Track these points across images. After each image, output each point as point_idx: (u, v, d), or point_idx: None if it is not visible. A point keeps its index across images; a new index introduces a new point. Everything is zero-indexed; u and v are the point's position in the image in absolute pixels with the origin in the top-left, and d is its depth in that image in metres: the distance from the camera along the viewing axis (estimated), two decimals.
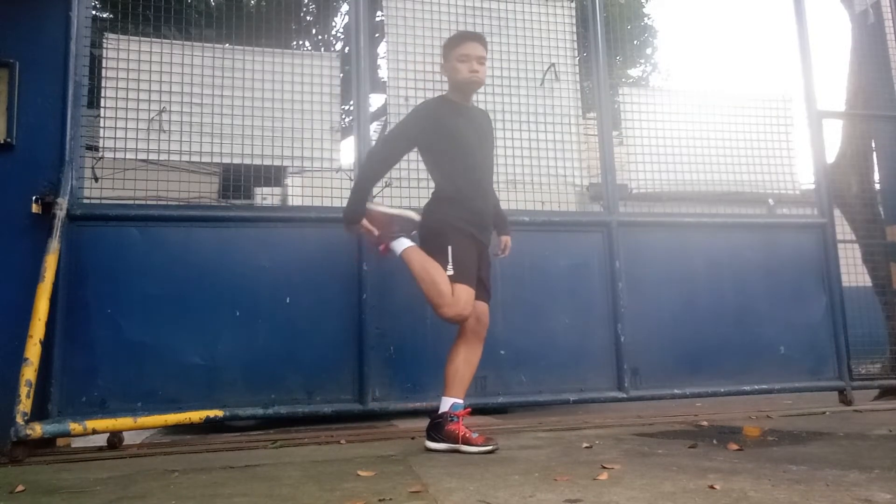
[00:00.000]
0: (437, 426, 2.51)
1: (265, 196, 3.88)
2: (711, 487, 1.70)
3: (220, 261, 3.21)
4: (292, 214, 3.33)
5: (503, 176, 3.69)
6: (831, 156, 4.57)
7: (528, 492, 1.71)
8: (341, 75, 3.64)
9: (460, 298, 2.51)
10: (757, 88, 4.32)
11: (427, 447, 2.53)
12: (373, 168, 2.69)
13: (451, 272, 2.53)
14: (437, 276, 2.51)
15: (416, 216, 2.63)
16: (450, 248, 2.56)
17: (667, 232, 3.86)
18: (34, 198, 2.98)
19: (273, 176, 3.72)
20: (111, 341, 3.04)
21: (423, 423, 2.70)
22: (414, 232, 2.64)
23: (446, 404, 2.53)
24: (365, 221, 2.62)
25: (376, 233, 2.61)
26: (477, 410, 3.59)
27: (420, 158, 2.85)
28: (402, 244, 2.60)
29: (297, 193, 3.48)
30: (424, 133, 2.68)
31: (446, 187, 2.68)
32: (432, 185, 2.79)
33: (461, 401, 2.56)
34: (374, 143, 2.97)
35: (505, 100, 3.77)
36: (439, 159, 2.70)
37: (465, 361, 2.59)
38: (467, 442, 2.45)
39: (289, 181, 3.94)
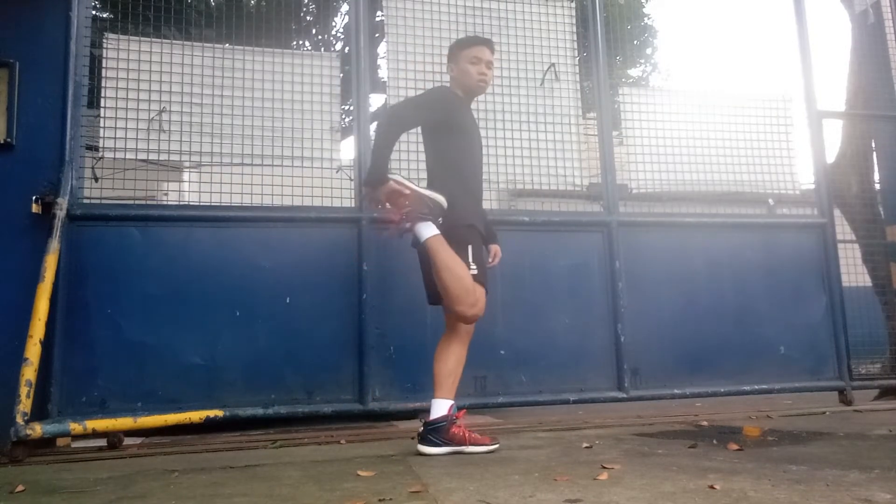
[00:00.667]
0: (439, 430, 2.42)
1: (166, 192, 3.77)
2: (711, 487, 1.70)
3: (220, 261, 3.21)
4: (292, 214, 3.33)
5: (503, 176, 3.69)
6: (831, 156, 4.57)
7: (528, 492, 1.71)
8: (341, 75, 3.64)
9: (479, 300, 2.51)
10: (757, 88, 4.31)
11: (423, 453, 2.40)
12: (392, 128, 2.55)
13: (474, 272, 2.51)
14: (463, 273, 2.48)
15: (445, 202, 2.51)
16: (470, 248, 2.54)
17: (667, 232, 3.86)
18: (34, 198, 2.98)
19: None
20: (111, 341, 3.04)
21: None
22: (440, 219, 2.52)
23: (444, 406, 2.45)
24: (389, 192, 2.48)
25: (402, 209, 2.47)
26: (477, 410, 3.60)
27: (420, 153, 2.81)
28: (430, 230, 2.47)
29: (195, 189, 3.37)
30: (446, 112, 2.64)
31: (455, 170, 2.63)
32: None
33: (453, 401, 2.51)
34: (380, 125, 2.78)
35: (505, 100, 3.77)
36: (449, 142, 2.65)
37: (458, 362, 2.56)
38: (474, 442, 2.44)
39: (186, 177, 3.82)
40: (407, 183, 2.49)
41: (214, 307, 3.17)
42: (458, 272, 2.47)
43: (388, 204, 2.54)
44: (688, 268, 3.85)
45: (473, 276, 2.50)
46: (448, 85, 2.81)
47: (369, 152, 3.56)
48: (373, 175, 2.50)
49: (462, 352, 2.58)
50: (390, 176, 2.48)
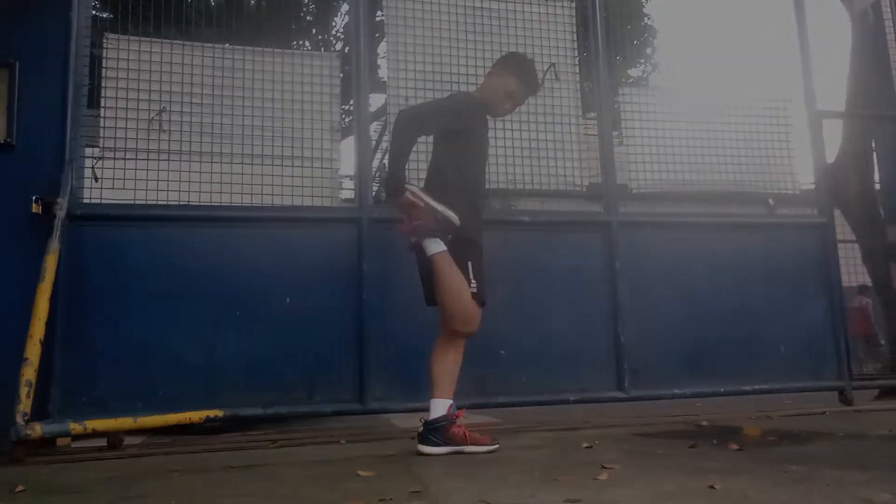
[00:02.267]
0: (439, 430, 2.42)
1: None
2: (711, 487, 1.70)
3: (221, 261, 3.21)
4: (292, 214, 3.32)
5: (503, 176, 3.69)
6: (831, 156, 4.57)
7: (529, 492, 1.71)
8: (341, 75, 3.64)
9: (475, 319, 2.54)
10: (757, 88, 4.31)
11: (423, 453, 2.41)
12: (411, 133, 2.54)
13: (474, 290, 2.52)
14: (464, 292, 2.50)
15: (457, 220, 2.50)
16: (470, 264, 2.55)
17: (667, 232, 3.86)
18: (34, 198, 2.97)
19: None
20: (111, 341, 3.04)
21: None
22: (449, 236, 2.52)
23: (443, 406, 2.46)
24: (403, 202, 2.48)
25: (415, 221, 2.48)
26: (477, 410, 3.60)
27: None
28: (438, 246, 2.49)
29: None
30: (469, 121, 2.64)
31: (462, 179, 2.62)
32: None
33: (453, 401, 2.51)
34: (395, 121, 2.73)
35: None
36: (462, 151, 2.65)
37: (454, 361, 2.57)
38: (474, 442, 2.44)
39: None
40: (422, 195, 2.48)
41: (214, 307, 3.17)
42: (459, 292, 2.50)
43: (401, 213, 2.56)
44: (688, 268, 3.84)
45: (473, 293, 2.52)
46: (474, 91, 2.82)
47: (369, 152, 3.58)
48: (389, 183, 2.50)
49: (458, 351, 2.59)
50: (407, 185, 2.49)
